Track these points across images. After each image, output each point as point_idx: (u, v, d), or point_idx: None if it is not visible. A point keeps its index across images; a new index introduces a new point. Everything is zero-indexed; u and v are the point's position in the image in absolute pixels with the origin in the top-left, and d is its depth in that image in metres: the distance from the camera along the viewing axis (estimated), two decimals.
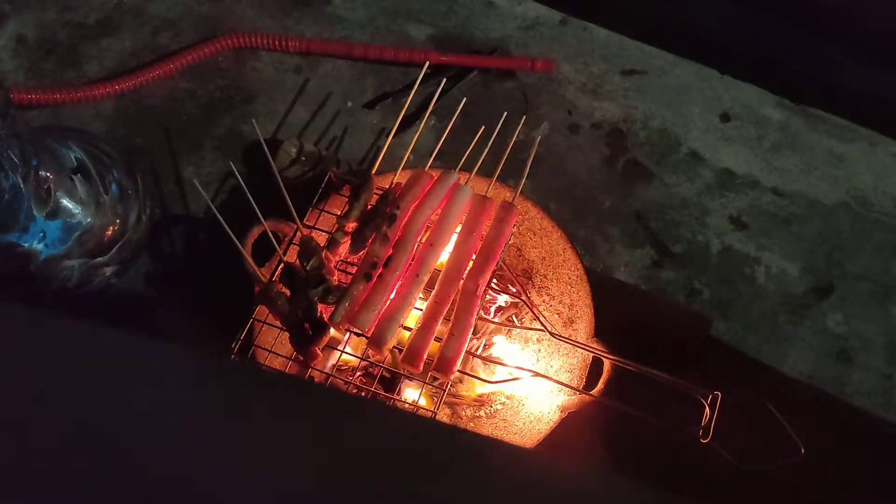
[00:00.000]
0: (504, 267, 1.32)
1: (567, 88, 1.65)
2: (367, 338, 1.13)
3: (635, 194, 1.57)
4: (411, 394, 1.34)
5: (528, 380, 1.21)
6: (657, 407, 1.09)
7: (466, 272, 1.17)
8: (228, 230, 1.14)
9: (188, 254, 1.51)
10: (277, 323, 1.18)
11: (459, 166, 1.25)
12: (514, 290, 1.38)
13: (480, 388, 1.39)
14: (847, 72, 1.56)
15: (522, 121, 1.31)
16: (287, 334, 1.16)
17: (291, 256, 1.24)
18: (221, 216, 1.13)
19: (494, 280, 1.34)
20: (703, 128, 1.62)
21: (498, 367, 1.34)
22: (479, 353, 1.35)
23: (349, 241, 1.21)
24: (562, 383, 1.18)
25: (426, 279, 1.16)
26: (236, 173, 1.19)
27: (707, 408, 1.08)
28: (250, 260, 1.19)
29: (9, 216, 1.17)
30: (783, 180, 1.55)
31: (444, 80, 1.42)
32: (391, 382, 1.31)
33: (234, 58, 1.68)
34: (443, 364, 1.09)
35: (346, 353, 1.22)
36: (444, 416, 1.34)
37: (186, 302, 1.45)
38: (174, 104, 1.64)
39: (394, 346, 1.14)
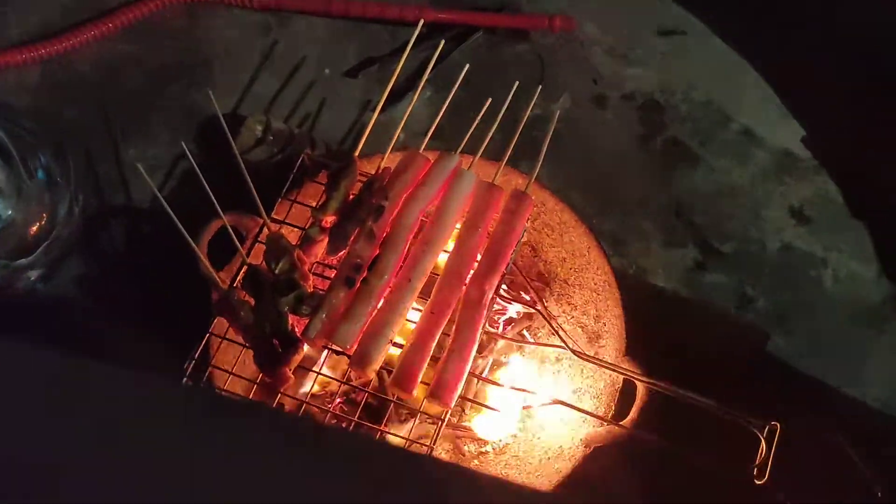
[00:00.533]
0: (516, 270, 1.31)
1: (592, 52, 1.65)
2: (348, 356, 1.12)
3: (675, 181, 1.57)
4: (403, 424, 1.33)
5: (544, 408, 1.20)
6: (702, 441, 1.08)
7: (470, 276, 1.16)
8: (180, 225, 1.13)
9: (130, 254, 1.51)
10: (240, 338, 1.18)
11: (461, 147, 1.25)
12: (529, 298, 1.37)
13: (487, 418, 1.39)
14: None
15: (538, 91, 1.30)
16: (251, 352, 1.16)
17: (257, 258, 1.23)
18: (171, 208, 1.13)
19: (504, 286, 1.33)
20: (758, 99, 1.62)
21: (508, 392, 1.34)
22: (485, 375, 1.35)
23: (327, 239, 1.21)
24: (586, 412, 1.18)
25: (420, 285, 1.16)
26: (189, 155, 1.19)
27: (763, 442, 1.07)
28: (206, 262, 1.19)
29: None
30: None
31: (443, 42, 1.40)
32: (378, 411, 1.30)
33: (187, 14, 1.67)
34: (441, 389, 1.09)
35: (323, 375, 1.21)
36: (442, 452, 1.34)
37: (128, 312, 1.44)
38: (113, 72, 1.63)
39: (381, 367, 1.14)
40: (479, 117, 1.26)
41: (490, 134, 1.25)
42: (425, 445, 1.15)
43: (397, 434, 1.26)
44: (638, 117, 1.63)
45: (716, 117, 1.62)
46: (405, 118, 1.28)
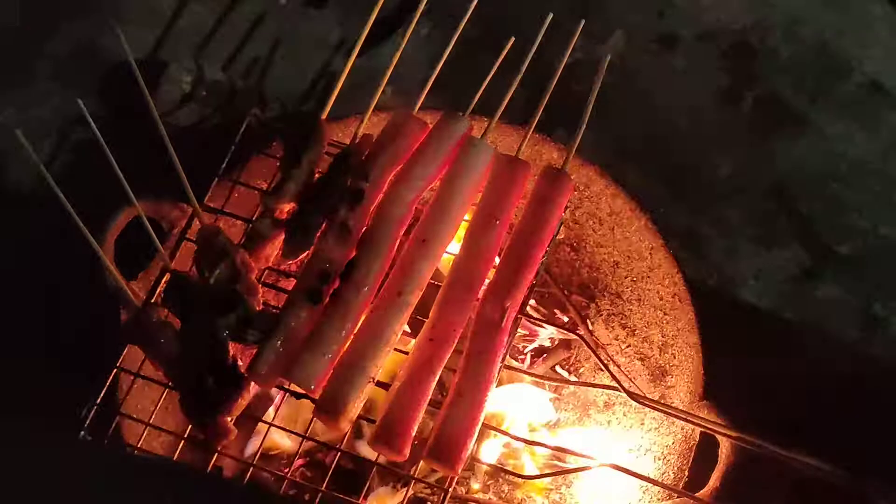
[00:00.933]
0: (549, 280, 1.31)
1: None
2: (313, 401, 1.12)
3: (773, 154, 1.57)
4: (389, 497, 1.32)
5: (591, 473, 1.20)
6: None
7: (485, 289, 1.16)
8: (76, 217, 1.12)
9: (7, 259, 1.51)
10: (160, 375, 1.17)
11: (471, 107, 1.24)
12: (567, 319, 1.36)
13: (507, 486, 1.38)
14: None
15: (579, 28, 1.30)
16: (176, 394, 1.15)
17: (184, 262, 1.22)
18: (63, 192, 1.12)
19: (532, 302, 1.32)
20: (892, 39, 1.63)
21: (539, 450, 1.33)
22: (506, 427, 1.34)
23: (282, 236, 1.21)
24: (649, 479, 1.17)
25: (415, 300, 1.15)
26: (88, 118, 1.18)
27: None
28: (113, 268, 1.18)
29: None
30: None
31: None
32: (355, 478, 1.30)
33: None
34: (444, 447, 1.08)
35: (278, 427, 1.21)
36: None
37: (8, 339, 1.44)
38: None
39: (359, 417, 1.14)
40: (496, 65, 1.25)
41: (512, 89, 1.24)
42: None
43: None
44: (721, 65, 1.62)
45: (831, 65, 1.62)
46: (392, 65, 1.28)
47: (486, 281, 1.17)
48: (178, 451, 1.17)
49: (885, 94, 1.61)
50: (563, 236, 1.33)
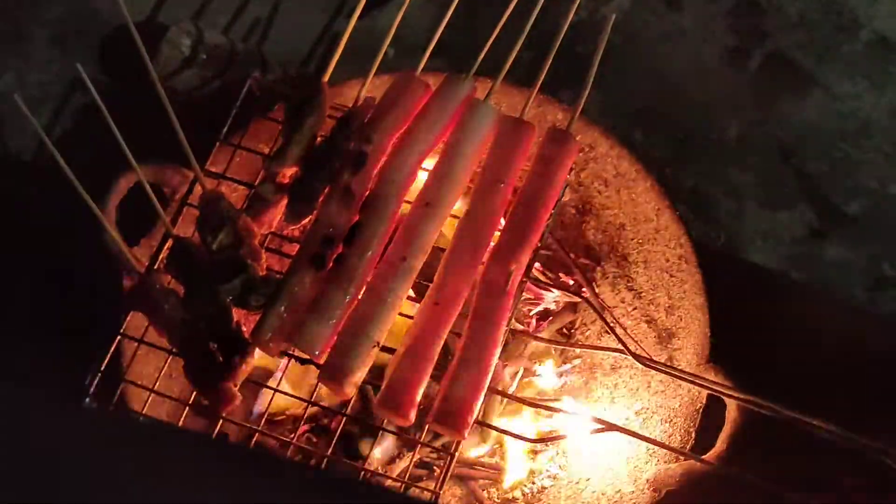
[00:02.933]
0: (554, 242, 1.30)
1: None
2: (317, 366, 1.12)
3: (780, 114, 1.57)
4: (395, 462, 1.33)
5: (596, 436, 1.20)
6: (818, 482, 1.08)
7: (489, 252, 1.16)
8: (76, 183, 1.12)
9: (9, 225, 1.51)
10: (164, 341, 1.18)
11: (475, 68, 1.24)
12: (572, 282, 1.36)
13: (514, 452, 1.38)
14: None
15: None
16: (180, 361, 1.16)
17: (187, 227, 1.22)
18: (64, 158, 1.12)
19: (538, 265, 1.32)
20: None
21: (544, 414, 1.34)
22: (511, 391, 1.34)
23: (285, 201, 1.21)
24: (655, 441, 1.18)
25: (419, 265, 1.15)
26: (88, 83, 1.18)
27: None
28: (115, 233, 1.18)
29: None
30: None
31: None
32: (359, 442, 1.30)
33: None
34: (450, 411, 1.08)
35: (282, 392, 1.21)
36: (451, 498, 1.35)
37: (9, 306, 1.45)
38: None
39: (365, 381, 1.14)
40: (499, 25, 1.24)
41: (516, 49, 1.23)
42: (427, 490, 1.15)
43: (388, 475, 1.26)
44: (727, 23, 1.61)
45: (839, 22, 1.61)
46: (395, 26, 1.27)
47: (491, 244, 1.16)
48: (182, 418, 1.18)
49: (893, 51, 1.60)
50: (568, 198, 1.33)
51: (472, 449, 1.36)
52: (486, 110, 1.21)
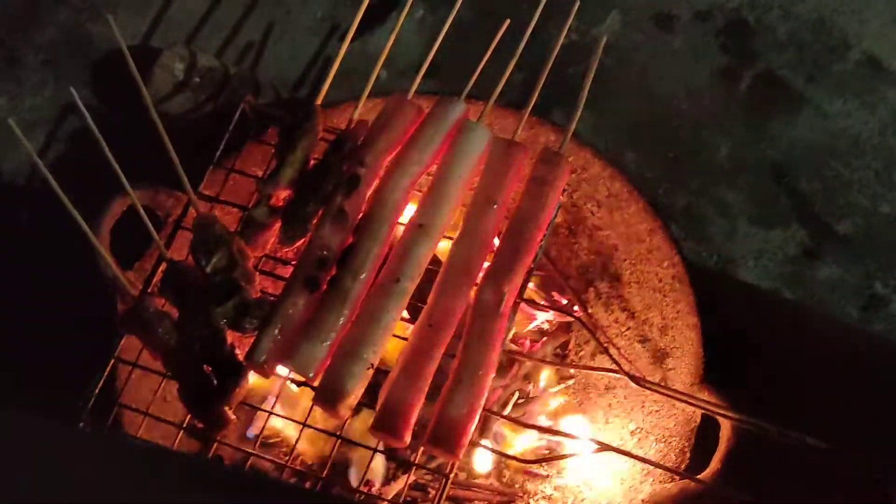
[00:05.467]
0: (548, 263, 1.30)
1: None
2: (312, 388, 1.12)
3: (772, 133, 1.57)
4: (391, 484, 1.33)
5: (590, 456, 1.20)
6: (814, 499, 1.08)
7: (483, 273, 1.16)
8: (70, 206, 1.12)
9: (4, 248, 1.51)
10: (159, 365, 1.17)
11: (467, 90, 1.24)
12: (566, 302, 1.36)
13: (509, 471, 1.38)
14: None
15: (574, 9, 1.29)
16: (175, 384, 1.15)
17: (180, 251, 1.22)
18: (57, 181, 1.12)
19: (531, 286, 1.32)
20: (890, 17, 1.62)
21: (539, 435, 1.33)
22: (507, 411, 1.34)
23: (279, 224, 1.21)
24: (649, 461, 1.17)
25: (413, 286, 1.15)
26: (81, 106, 1.18)
27: None
28: (109, 257, 1.18)
29: None
30: None
31: None
32: (352, 464, 1.30)
33: None
34: (445, 432, 1.08)
35: (277, 415, 1.21)
36: None
37: (4, 331, 1.44)
38: None
39: (359, 403, 1.14)
40: (491, 47, 1.25)
41: (508, 71, 1.24)
42: None
43: (383, 498, 1.26)
44: (719, 44, 1.61)
45: (828, 42, 1.61)
46: (387, 49, 1.27)
47: (485, 265, 1.16)
48: (177, 441, 1.17)
49: (883, 70, 1.60)
50: (561, 220, 1.33)
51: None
52: (479, 132, 1.21)
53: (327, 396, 1.10)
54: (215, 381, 1.13)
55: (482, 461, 1.38)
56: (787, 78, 1.60)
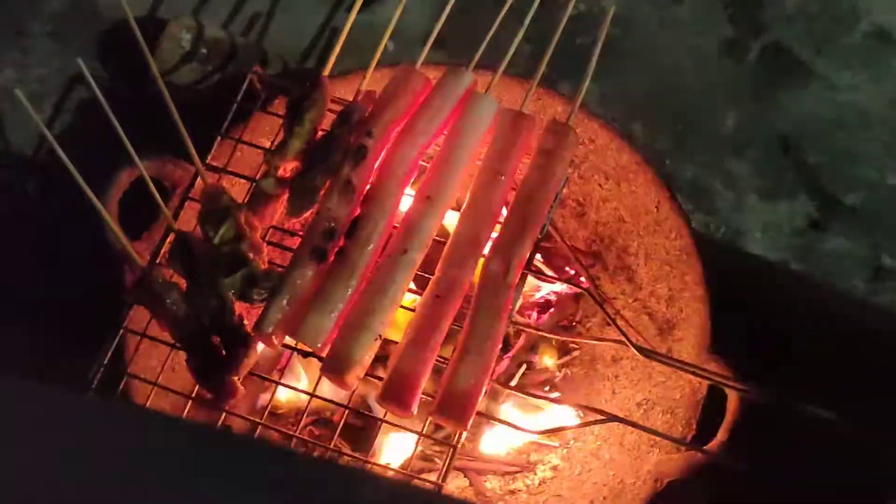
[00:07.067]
0: (555, 234, 1.30)
1: None
2: (320, 359, 1.13)
3: (779, 105, 1.56)
4: (398, 453, 1.33)
5: (597, 427, 1.20)
6: (821, 472, 1.08)
7: (490, 245, 1.16)
8: (78, 177, 1.12)
9: (10, 220, 1.51)
10: (167, 335, 1.18)
11: (475, 61, 1.24)
12: (573, 273, 1.36)
13: (516, 443, 1.38)
14: None
15: None
16: (183, 355, 1.16)
17: (188, 222, 1.22)
18: (65, 152, 1.12)
19: (538, 257, 1.32)
20: None
21: (546, 405, 1.34)
22: (513, 382, 1.34)
23: (286, 195, 1.21)
24: (656, 433, 1.18)
25: (421, 258, 1.15)
26: (89, 77, 1.17)
27: None
28: (117, 228, 1.18)
29: None
30: None
31: None
32: (363, 435, 1.30)
33: None
34: (452, 403, 1.08)
35: (285, 385, 1.22)
36: (454, 489, 1.35)
37: (11, 300, 1.45)
38: None
39: (366, 374, 1.14)
40: (499, 18, 1.24)
41: (516, 42, 1.23)
42: (430, 482, 1.15)
43: (391, 467, 1.27)
44: (726, 15, 1.60)
45: (837, 13, 1.60)
46: (395, 19, 1.27)
47: (492, 237, 1.17)
48: (185, 411, 1.18)
49: (891, 42, 1.59)
50: (568, 191, 1.33)
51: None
52: (486, 103, 1.21)
53: (335, 367, 1.10)
54: (223, 352, 1.14)
55: (489, 433, 1.39)
56: (795, 50, 1.59)
